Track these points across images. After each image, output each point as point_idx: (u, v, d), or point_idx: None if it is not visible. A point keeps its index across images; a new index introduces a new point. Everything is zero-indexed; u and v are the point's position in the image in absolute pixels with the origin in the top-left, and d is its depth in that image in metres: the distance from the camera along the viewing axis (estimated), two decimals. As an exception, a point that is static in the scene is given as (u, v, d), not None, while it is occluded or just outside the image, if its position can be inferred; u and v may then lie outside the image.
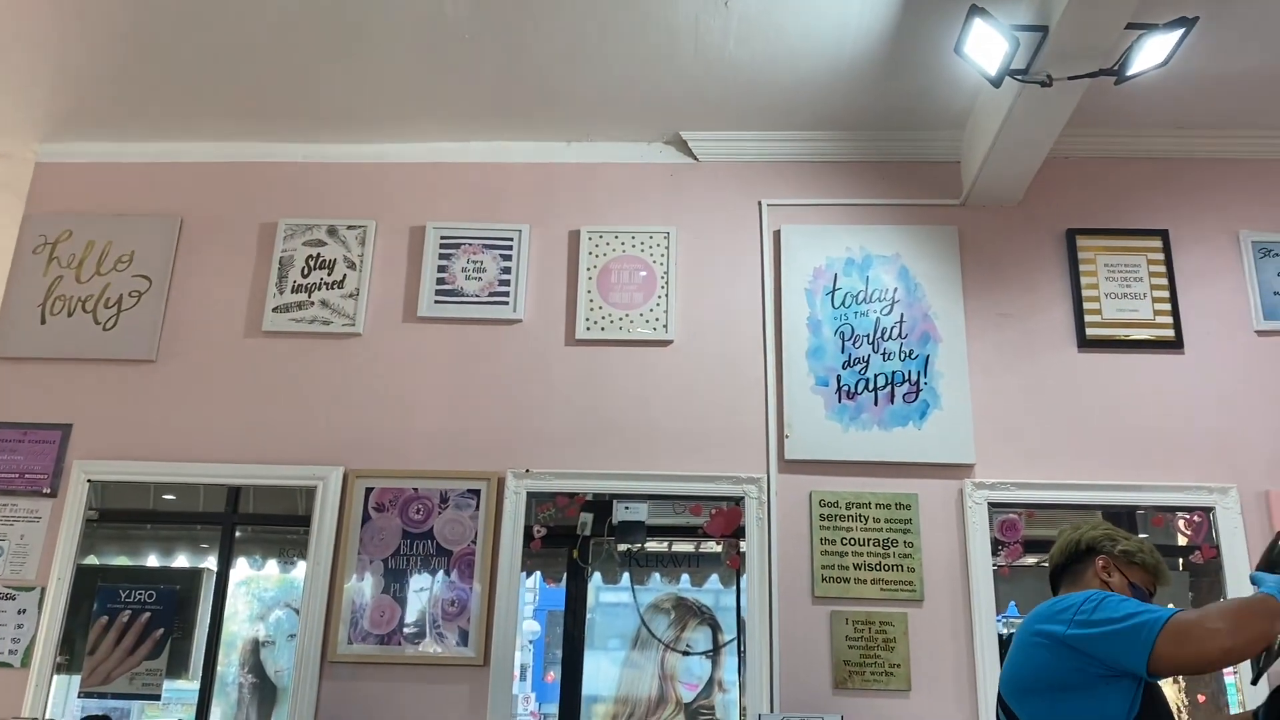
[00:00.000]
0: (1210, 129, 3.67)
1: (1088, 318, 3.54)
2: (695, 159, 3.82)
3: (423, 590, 3.38)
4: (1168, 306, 3.54)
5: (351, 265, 3.72)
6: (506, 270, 3.69)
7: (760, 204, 3.75)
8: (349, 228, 3.78)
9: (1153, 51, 2.92)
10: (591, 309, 3.64)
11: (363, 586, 3.38)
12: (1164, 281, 3.57)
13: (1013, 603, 3.61)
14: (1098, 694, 1.88)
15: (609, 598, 4.92)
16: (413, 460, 3.51)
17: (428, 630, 3.34)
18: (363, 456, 3.52)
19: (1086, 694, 1.89)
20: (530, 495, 3.47)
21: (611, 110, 3.67)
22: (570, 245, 3.75)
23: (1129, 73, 2.96)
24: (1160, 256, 3.60)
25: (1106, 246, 3.62)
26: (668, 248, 3.70)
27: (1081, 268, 3.59)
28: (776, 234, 3.71)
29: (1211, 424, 3.43)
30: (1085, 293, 3.57)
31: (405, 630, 3.34)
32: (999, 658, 3.19)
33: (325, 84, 3.55)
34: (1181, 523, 3.36)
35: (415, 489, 3.46)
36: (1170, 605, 1.92)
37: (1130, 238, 3.62)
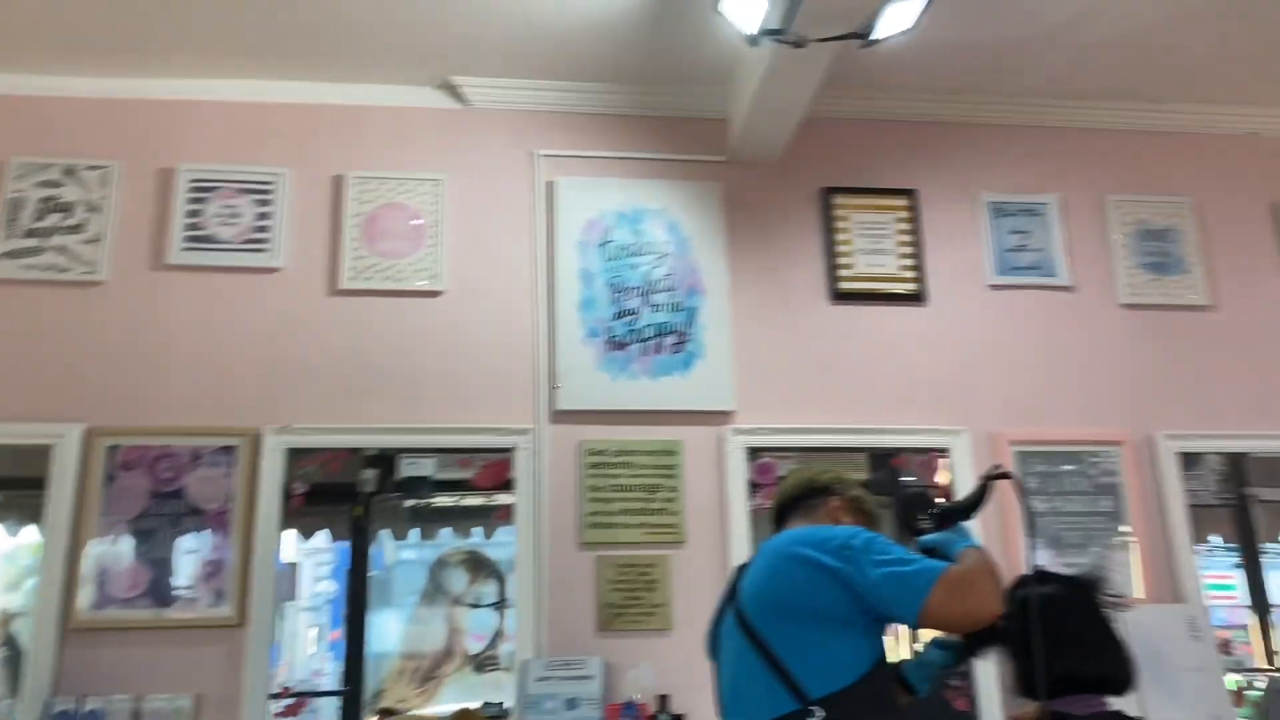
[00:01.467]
0: (955, 94, 3.90)
1: (840, 272, 3.73)
2: (467, 105, 3.75)
3: (175, 552, 3.23)
4: (913, 262, 3.77)
5: (93, 209, 3.46)
6: (265, 216, 3.52)
7: (533, 154, 3.73)
8: (90, 168, 3.50)
9: (899, 17, 3.05)
10: (357, 258, 3.54)
11: (109, 550, 3.20)
12: (909, 239, 3.79)
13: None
14: (855, 630, 1.88)
15: (404, 554, 4.88)
16: (162, 417, 3.33)
17: (181, 592, 3.21)
18: (106, 413, 3.31)
19: (844, 628, 1.87)
20: (290, 451, 3.37)
21: (379, 51, 3.54)
22: (334, 191, 3.61)
23: (877, 37, 3.10)
24: (907, 215, 3.82)
25: (859, 205, 3.81)
26: (438, 196, 3.63)
27: (835, 224, 3.77)
28: (550, 185, 3.70)
29: (948, 372, 3.69)
30: (839, 249, 3.75)
31: (157, 593, 3.19)
32: (754, 595, 3.35)
33: (63, 10, 3.26)
34: (919, 463, 3.61)
35: (165, 446, 3.29)
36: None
37: (881, 196, 3.83)
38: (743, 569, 2.09)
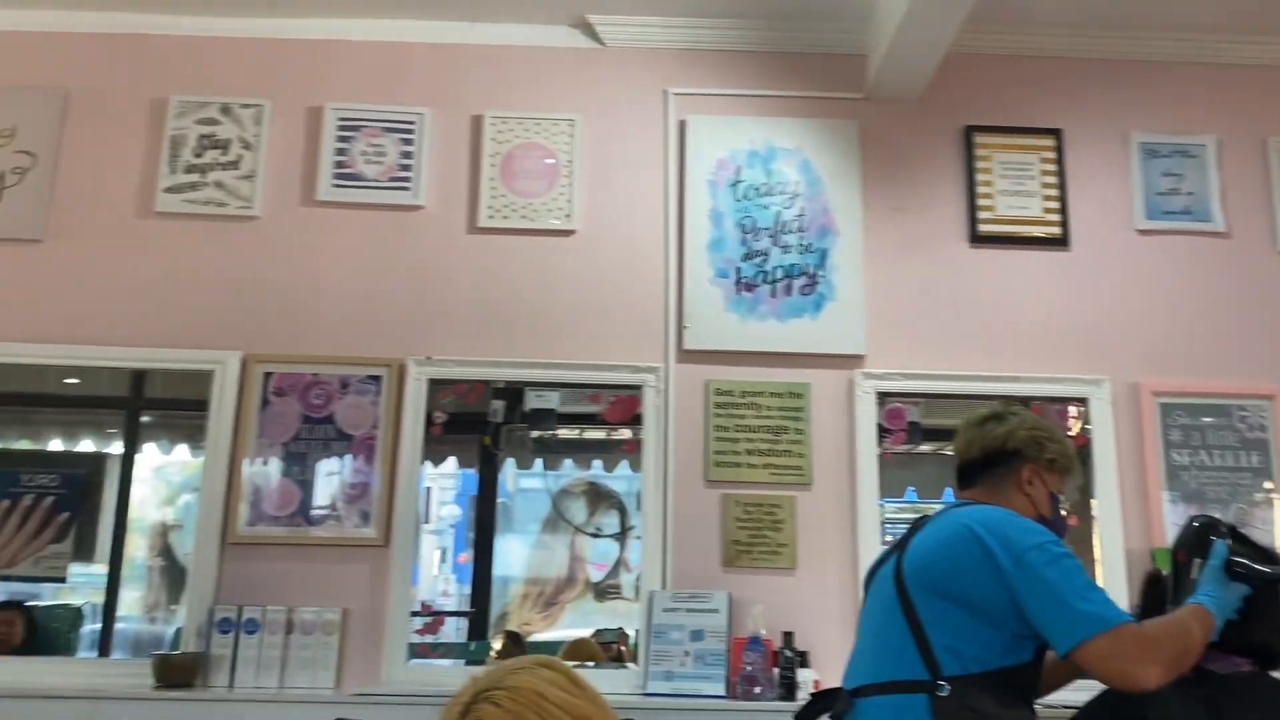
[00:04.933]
0: (1106, 29, 3.71)
1: (980, 214, 3.63)
2: (602, 44, 3.76)
3: (324, 474, 3.41)
4: (1057, 205, 3.64)
5: (247, 146, 3.62)
6: (408, 155, 3.63)
7: (666, 93, 3.73)
8: (244, 106, 3.66)
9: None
10: (494, 197, 3.62)
11: (263, 470, 3.41)
12: (1054, 180, 3.66)
13: (911, 488, 3.79)
14: (1004, 631, 1.82)
15: (524, 483, 5.03)
16: (312, 346, 3.49)
17: (329, 512, 3.39)
18: (262, 341, 3.49)
19: (994, 625, 1.82)
20: (431, 382, 3.50)
21: (518, -11, 3.59)
22: (473, 130, 3.69)
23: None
24: (1053, 155, 3.68)
25: (1002, 144, 3.69)
26: (572, 135, 3.67)
27: (977, 165, 3.66)
28: (681, 124, 3.70)
29: (1091, 319, 3.57)
30: (980, 189, 3.65)
31: (307, 512, 3.39)
32: (880, 538, 3.36)
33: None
34: (1056, 412, 3.53)
35: (315, 374, 3.46)
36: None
37: (1025, 136, 3.70)
38: (921, 522, 2.04)
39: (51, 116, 3.66)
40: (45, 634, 3.59)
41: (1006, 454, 2.01)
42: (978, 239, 3.63)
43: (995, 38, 3.72)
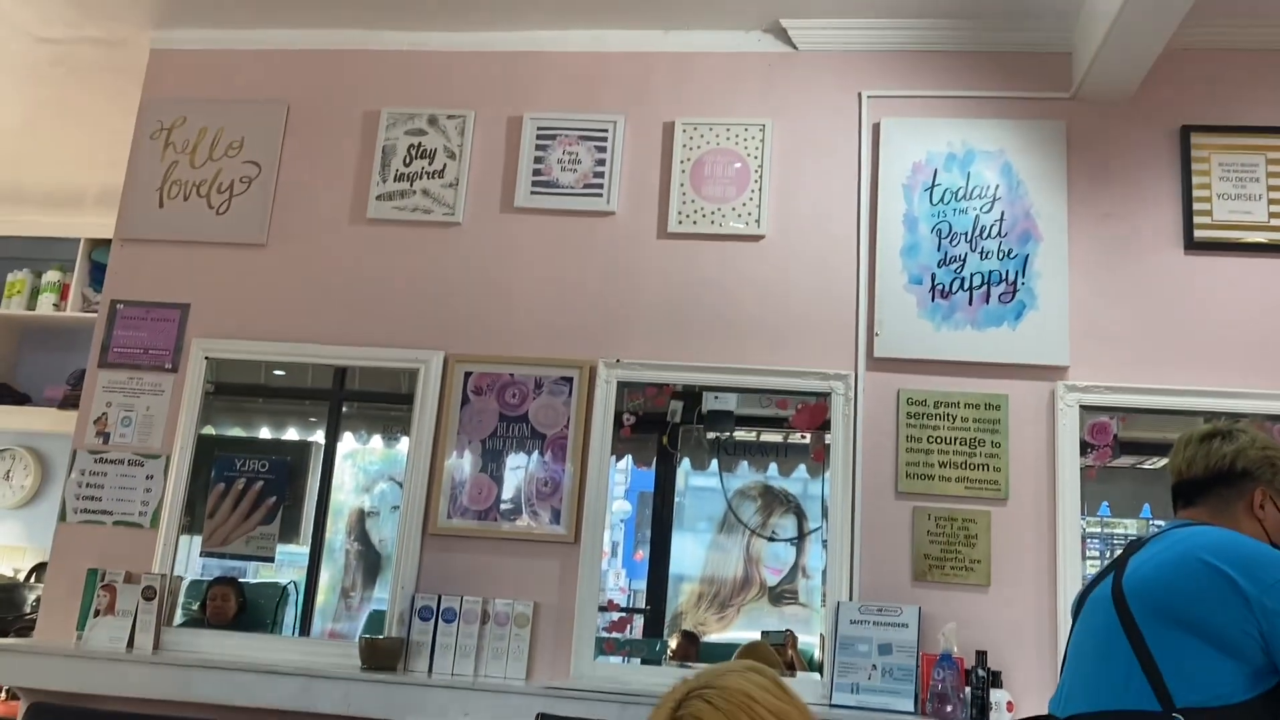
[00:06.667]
0: (1348, 19, 3.44)
1: (1197, 219, 3.42)
2: (794, 48, 3.74)
3: (518, 470, 3.53)
4: (1286, 209, 3.40)
5: (451, 155, 3.79)
6: (601, 162, 3.71)
7: (860, 96, 3.67)
8: (449, 117, 3.82)
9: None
10: (684, 202, 3.65)
11: (462, 464, 3.56)
12: (1284, 182, 3.42)
13: (1105, 503, 3.61)
14: (1245, 663, 1.72)
15: (698, 482, 5.07)
16: (509, 347, 3.62)
17: (522, 508, 3.51)
18: (462, 342, 3.65)
19: (1233, 655, 1.72)
20: (621, 384, 3.57)
21: (712, -5, 3.61)
22: (664, 137, 3.74)
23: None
24: (1282, 156, 3.44)
25: (1223, 145, 3.46)
26: (763, 140, 3.66)
27: (1194, 166, 3.45)
28: (876, 127, 3.64)
29: (1322, 332, 3.32)
30: (1196, 193, 3.44)
31: (501, 507, 3.51)
32: (1080, 556, 3.22)
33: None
34: (1278, 432, 3.29)
35: (512, 374, 3.59)
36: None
37: (1250, 135, 3.46)
38: (1137, 544, 1.96)
39: (274, 128, 3.92)
40: (253, 609, 3.84)
41: (1235, 474, 1.93)
42: (1194, 245, 3.42)
43: (1216, 31, 3.49)
